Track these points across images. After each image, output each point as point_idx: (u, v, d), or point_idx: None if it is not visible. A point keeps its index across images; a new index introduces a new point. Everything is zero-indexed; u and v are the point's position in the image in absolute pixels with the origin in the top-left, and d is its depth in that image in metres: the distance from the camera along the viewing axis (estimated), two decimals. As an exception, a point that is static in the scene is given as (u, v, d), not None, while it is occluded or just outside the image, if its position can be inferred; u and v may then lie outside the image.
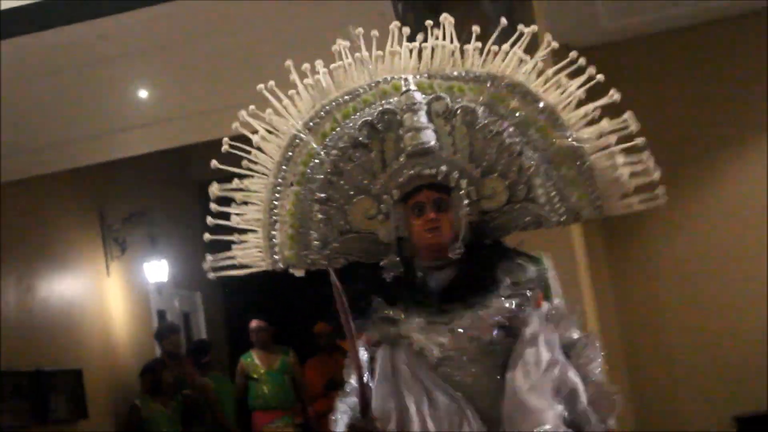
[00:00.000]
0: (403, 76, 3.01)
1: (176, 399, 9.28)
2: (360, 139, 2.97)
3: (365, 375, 2.84)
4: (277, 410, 9.45)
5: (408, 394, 2.84)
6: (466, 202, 2.92)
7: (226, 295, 12.30)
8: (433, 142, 2.93)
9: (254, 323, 9.75)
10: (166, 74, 7.17)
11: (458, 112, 2.96)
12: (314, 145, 3.01)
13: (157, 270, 10.59)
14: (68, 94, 7.09)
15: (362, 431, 2.77)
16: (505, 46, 3.01)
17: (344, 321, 2.70)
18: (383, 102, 2.99)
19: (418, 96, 2.96)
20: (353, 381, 2.86)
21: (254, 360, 9.60)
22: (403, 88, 2.98)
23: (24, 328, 8.50)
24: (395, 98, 2.99)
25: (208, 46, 6.70)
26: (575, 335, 2.96)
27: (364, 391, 2.76)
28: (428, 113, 2.96)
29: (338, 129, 3.01)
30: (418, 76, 3.03)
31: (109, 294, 9.93)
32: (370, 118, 2.97)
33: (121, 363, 9.82)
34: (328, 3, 5.89)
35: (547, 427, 2.72)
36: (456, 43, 3.04)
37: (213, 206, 3.06)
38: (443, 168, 2.92)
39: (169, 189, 11.43)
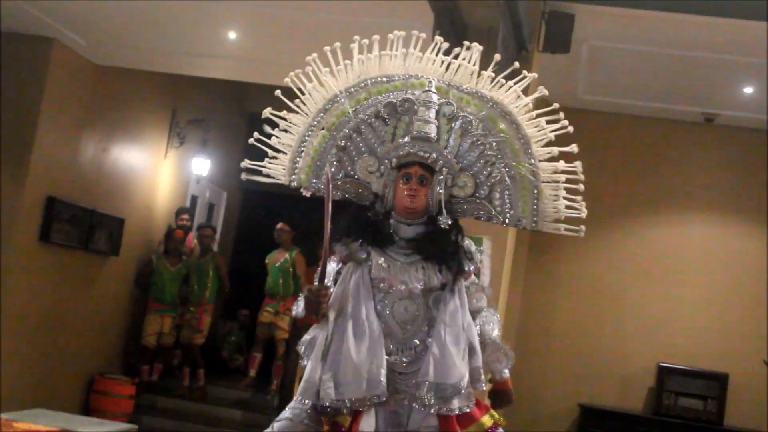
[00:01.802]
0: (429, 78, 3.04)
1: (183, 262, 9.34)
2: (382, 113, 3.02)
3: (329, 260, 2.94)
4: (275, 297, 9.34)
5: (353, 300, 2.90)
6: (442, 184, 2.96)
7: (244, 200, 12.30)
8: (433, 134, 2.97)
9: (278, 225, 9.62)
10: (249, 23, 7.10)
11: (460, 118, 3.00)
12: (348, 107, 3.05)
13: (201, 166, 10.57)
14: (173, 12, 6.96)
15: (315, 292, 2.84)
16: (510, 83, 3.05)
17: (325, 208, 2.76)
18: (408, 92, 3.03)
19: (435, 97, 3.00)
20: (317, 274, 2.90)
21: (271, 255, 9.49)
22: (426, 87, 3.01)
23: (93, 177, 8.50)
24: (417, 92, 3.02)
25: (293, 13, 6.65)
26: (483, 305, 3.05)
27: (324, 265, 2.82)
28: (437, 112, 3.00)
29: (369, 100, 3.04)
30: (440, 82, 3.06)
31: (162, 172, 9.92)
32: (394, 100, 3.01)
33: (156, 225, 9.84)
34: (384, 5, 5.90)
35: (465, 381, 2.83)
36: (476, 67, 3.06)
37: (267, 111, 3.08)
38: (434, 155, 2.96)
39: (228, 111, 11.40)
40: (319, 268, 2.83)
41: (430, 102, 2.98)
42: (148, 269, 9.24)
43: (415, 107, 2.98)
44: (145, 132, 9.44)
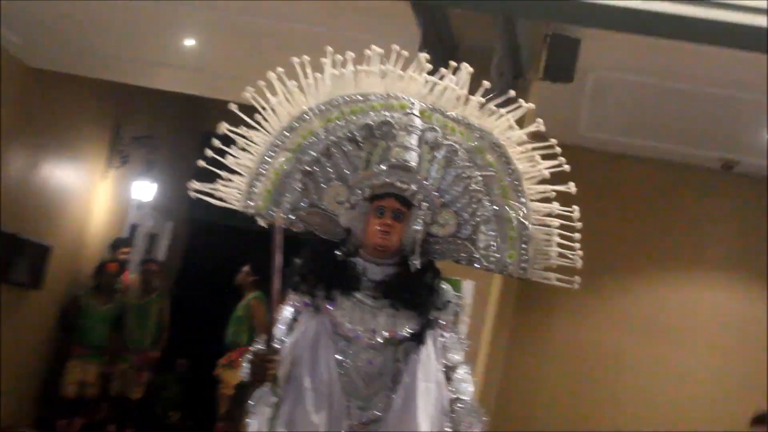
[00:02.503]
0: (412, 100, 3.06)
1: (115, 302, 9.24)
2: (356, 136, 3.04)
3: (281, 325, 2.95)
4: (226, 348, 9.19)
5: (311, 351, 2.91)
6: (420, 221, 2.97)
7: (192, 233, 12.22)
8: (414, 163, 2.98)
9: (245, 267, 9.47)
10: (211, 30, 7.11)
11: (444, 147, 3.03)
12: (317, 126, 3.06)
13: (145, 190, 10.53)
14: (121, 12, 6.98)
15: (261, 358, 2.82)
16: (502, 111, 3.07)
17: (275, 258, 2.76)
18: (387, 113, 3.05)
19: (418, 121, 3.02)
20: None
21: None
22: (408, 110, 3.03)
23: (17, 196, 8.42)
24: (397, 114, 3.04)
25: (260, 23, 6.68)
26: (458, 358, 3.03)
27: (271, 325, 2.83)
28: (419, 138, 3.02)
29: (342, 121, 3.06)
30: (424, 104, 3.08)
31: (99, 195, 9.87)
32: (371, 123, 3.03)
33: (87, 256, 9.75)
34: (366, 17, 5.94)
35: None
36: (465, 91, 3.09)
37: (221, 127, 3.10)
38: (413, 187, 2.97)
39: (180, 128, 11.38)
40: (267, 325, 2.85)
41: (411, 126, 3.00)
42: (75, 307, 9.09)
43: (395, 131, 3.00)
44: (83, 148, 9.40)
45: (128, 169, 10.21)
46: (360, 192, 2.99)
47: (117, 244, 9.73)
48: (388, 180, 2.97)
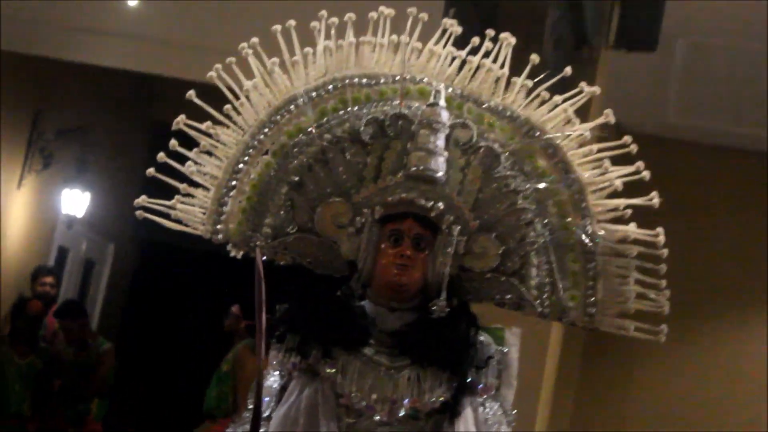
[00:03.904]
0: (435, 86, 3.00)
1: (40, 352, 9.23)
2: (362, 134, 2.97)
3: (265, 398, 2.91)
4: (208, 417, 9.04)
5: (306, 427, 2.85)
6: (450, 251, 2.91)
7: (142, 258, 12.27)
8: (441, 173, 2.92)
9: (233, 308, 9.44)
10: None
11: (481, 150, 2.96)
12: (309, 120, 3.01)
13: (76, 202, 10.51)
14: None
15: None
16: (557, 98, 3.01)
17: (257, 318, 2.67)
18: (402, 103, 2.99)
19: (445, 115, 2.95)
20: (250, 403, 2.86)
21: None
22: (432, 100, 2.96)
23: None
24: (416, 104, 2.99)
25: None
26: None
27: (257, 413, 2.74)
28: (447, 138, 2.95)
29: (341, 112, 3.02)
30: (451, 90, 3.03)
31: (12, 210, 9.87)
32: (382, 117, 2.97)
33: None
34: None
35: None
36: (506, 70, 3.03)
37: (173, 143, 3.04)
38: (440, 205, 2.91)
39: (122, 117, 11.38)
40: (252, 420, 2.75)
41: (437, 123, 2.93)
42: (-17, 362, 9.10)
43: (414, 128, 2.95)
44: (-10, 146, 9.43)
45: (53, 173, 10.23)
46: (368, 212, 2.93)
47: (37, 274, 9.70)
48: (404, 195, 2.91)
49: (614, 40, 6.20)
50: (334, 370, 2.88)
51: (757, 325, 8.59)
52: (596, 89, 3.03)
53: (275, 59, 3.03)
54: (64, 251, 10.91)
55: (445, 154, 2.93)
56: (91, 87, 10.39)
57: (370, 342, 2.91)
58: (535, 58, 3.05)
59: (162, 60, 8.05)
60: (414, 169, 2.91)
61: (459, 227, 2.92)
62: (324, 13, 3.04)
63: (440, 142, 2.93)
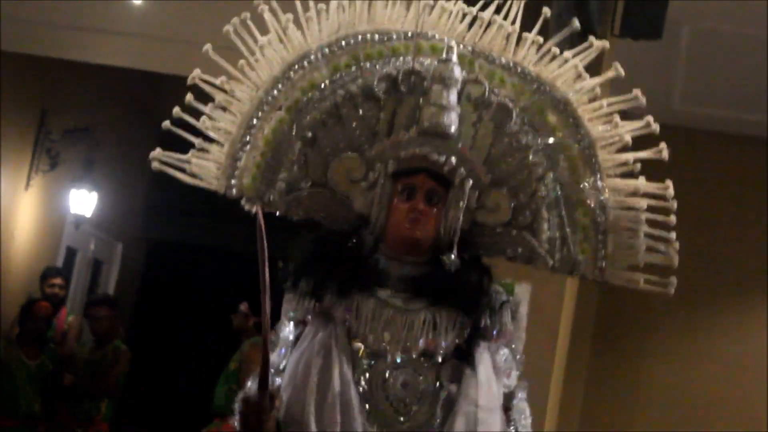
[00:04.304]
0: (447, 41, 3.02)
1: (48, 354, 9.23)
2: (375, 90, 2.99)
3: (273, 346, 2.92)
4: (215, 416, 8.98)
5: (321, 362, 2.85)
6: (462, 205, 2.94)
7: (150, 256, 12.26)
8: (453, 128, 2.94)
9: (242, 306, 9.42)
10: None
11: (492, 105, 2.99)
12: (322, 76, 3.02)
13: (83, 201, 10.51)
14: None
15: (254, 406, 2.78)
16: (567, 53, 3.06)
17: (261, 273, 2.69)
18: (415, 59, 3.00)
19: (457, 71, 2.97)
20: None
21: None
22: (444, 56, 2.98)
23: None
24: (429, 60, 3.02)
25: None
26: (514, 383, 3.01)
27: (265, 360, 2.75)
28: (459, 94, 2.97)
29: (354, 68, 3.03)
30: (463, 46, 3.06)
31: (20, 211, 9.88)
32: (394, 72, 2.99)
33: (8, 293, 9.75)
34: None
35: None
36: (517, 26, 3.05)
37: (188, 98, 3.04)
38: (453, 159, 2.92)
39: (129, 116, 11.38)
40: (263, 363, 2.75)
41: (450, 78, 2.94)
42: (-6, 361, 9.11)
43: (426, 84, 2.96)
44: (-2, 147, 9.43)
45: (60, 174, 10.22)
46: (381, 166, 2.95)
47: (47, 276, 9.70)
48: (419, 151, 2.93)
49: (619, 29, 6.17)
50: (348, 313, 2.90)
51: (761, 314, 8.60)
52: (605, 43, 3.11)
53: (289, 15, 3.05)
54: (72, 251, 10.92)
55: (458, 109, 2.96)
56: (96, 86, 10.39)
57: (384, 285, 2.93)
58: (546, 11, 3.12)
59: (167, 58, 8.05)
60: (427, 124, 2.93)
61: (471, 181, 2.95)
62: None
63: (453, 97, 2.95)
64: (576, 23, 3.11)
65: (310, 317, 2.94)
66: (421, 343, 2.87)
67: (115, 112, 11.10)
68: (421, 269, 2.94)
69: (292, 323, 2.98)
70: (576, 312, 6.56)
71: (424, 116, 2.93)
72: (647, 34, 6.17)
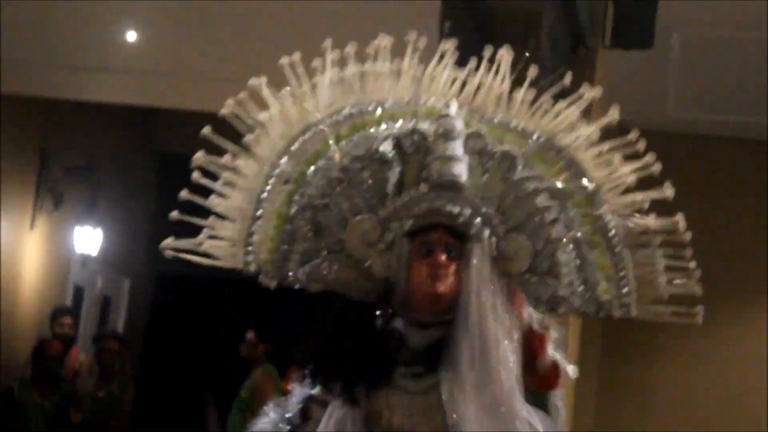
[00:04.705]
0: (445, 101, 3.00)
1: (62, 392, 9.23)
2: (380, 152, 2.92)
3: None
4: None
5: None
6: (485, 254, 2.87)
7: (158, 292, 12.23)
8: (464, 178, 2.89)
9: (249, 334, 9.39)
10: (159, 20, 7.12)
11: (497, 155, 2.94)
12: (326, 143, 2.98)
13: (89, 239, 10.51)
14: (40, 10, 7.00)
15: None
16: (561, 105, 3.01)
17: None
18: (413, 122, 2.98)
19: (459, 124, 2.92)
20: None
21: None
22: (443, 111, 2.94)
23: None
24: (426, 123, 2.97)
25: (209, 4, 6.68)
26: None
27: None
28: (464, 145, 2.93)
29: (356, 136, 3.00)
30: (458, 105, 3.02)
31: (26, 251, 9.86)
32: (397, 133, 2.95)
33: (18, 334, 9.76)
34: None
35: None
36: (506, 86, 3.03)
37: (195, 175, 3.01)
38: (467, 210, 2.87)
39: (128, 151, 11.37)
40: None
41: (452, 131, 2.90)
42: (8, 403, 9.03)
43: (429, 142, 2.92)
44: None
45: (65, 213, 10.20)
46: (397, 225, 2.88)
47: (56, 314, 9.70)
48: (433, 205, 2.86)
49: (610, 40, 6.18)
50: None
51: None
52: (597, 92, 3.03)
53: (287, 89, 3.03)
54: (80, 290, 10.88)
55: (466, 158, 2.91)
56: (95, 124, 10.37)
57: (399, 362, 2.85)
58: (533, 69, 3.06)
59: (164, 92, 8.04)
60: (437, 176, 2.87)
61: (488, 230, 2.89)
62: (328, 44, 3.04)
63: (459, 149, 2.90)
64: (568, 77, 3.05)
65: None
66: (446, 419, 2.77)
67: (115, 149, 11.09)
68: (435, 334, 2.86)
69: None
70: (583, 324, 6.52)
71: (433, 170, 2.88)
72: (638, 43, 6.15)
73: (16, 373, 9.42)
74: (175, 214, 3.04)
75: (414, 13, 3.17)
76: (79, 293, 10.85)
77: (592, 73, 5.92)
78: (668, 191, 2.98)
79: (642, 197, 3.00)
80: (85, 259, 10.70)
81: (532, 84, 3.05)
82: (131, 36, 7.43)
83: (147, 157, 11.57)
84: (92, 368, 9.58)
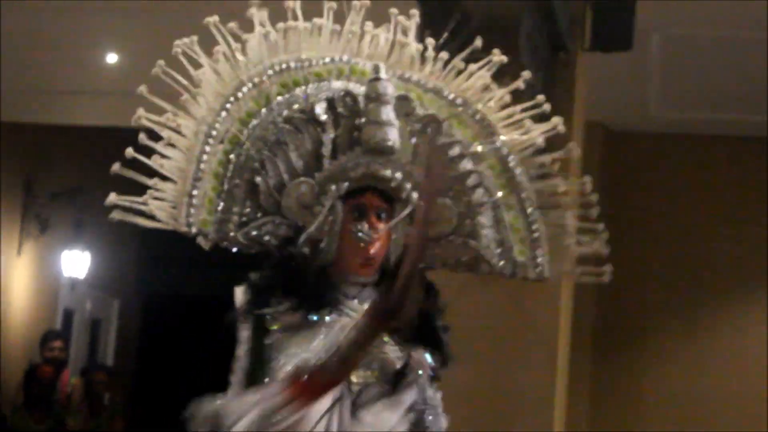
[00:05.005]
0: (373, 63, 3.03)
1: (53, 416, 9.21)
2: (317, 114, 2.97)
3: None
4: None
5: None
6: (407, 219, 2.92)
7: (147, 311, 12.23)
8: (396, 143, 2.94)
9: None
10: (137, 42, 7.12)
11: (424, 119, 3.01)
12: (259, 102, 3.00)
13: (76, 262, 10.50)
14: (20, 36, 6.98)
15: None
16: (473, 67, 3.07)
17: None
18: (340, 82, 3.04)
19: (391, 88, 2.97)
20: None
21: None
22: (373, 75, 2.98)
23: None
24: (354, 83, 3.03)
25: (195, 24, 6.65)
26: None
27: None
28: (394, 109, 2.98)
29: (287, 96, 3.02)
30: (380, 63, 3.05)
31: (14, 277, 9.84)
32: (330, 94, 2.99)
33: (9, 360, 9.73)
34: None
35: None
36: (420, 45, 3.09)
37: (141, 137, 3.04)
38: (398, 175, 2.93)
39: (111, 173, 11.33)
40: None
41: (385, 95, 2.94)
42: (2, 431, 9.05)
43: (362, 105, 2.96)
44: (-16, 217, 9.41)
45: (51, 237, 10.20)
46: (333, 188, 2.91)
47: (46, 339, 9.68)
48: (367, 169, 2.92)
49: (589, 43, 6.18)
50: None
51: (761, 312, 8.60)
52: (503, 58, 3.08)
53: (218, 48, 3.01)
54: (69, 313, 10.88)
55: (397, 124, 2.95)
56: (78, 147, 10.37)
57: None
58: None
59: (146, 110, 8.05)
60: (372, 142, 2.92)
61: (416, 195, 2.92)
62: (255, 2, 3.04)
63: (391, 113, 2.94)
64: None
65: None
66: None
67: (99, 172, 11.00)
68: (368, 295, 2.92)
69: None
70: (574, 324, 6.49)
71: (366, 135, 2.93)
72: (618, 46, 6.17)
73: (8, 399, 9.39)
74: (115, 168, 3.09)
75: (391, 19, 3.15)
76: (68, 316, 10.84)
77: (572, 76, 5.94)
78: (575, 151, 3.10)
79: (550, 158, 3.08)
80: (74, 283, 10.69)
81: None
82: (111, 58, 7.41)
83: (131, 179, 11.55)
84: (82, 399, 9.57)
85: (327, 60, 3.08)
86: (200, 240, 3.03)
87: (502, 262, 3.05)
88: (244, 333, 2.99)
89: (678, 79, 7.63)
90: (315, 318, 2.88)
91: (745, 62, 7.29)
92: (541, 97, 3.08)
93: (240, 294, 2.94)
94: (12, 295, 9.81)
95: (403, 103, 3.00)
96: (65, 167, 10.38)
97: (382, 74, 2.96)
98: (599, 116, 6.94)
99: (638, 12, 6.08)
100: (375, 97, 2.94)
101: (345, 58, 3.09)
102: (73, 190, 10.37)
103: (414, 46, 3.09)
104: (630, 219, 7.53)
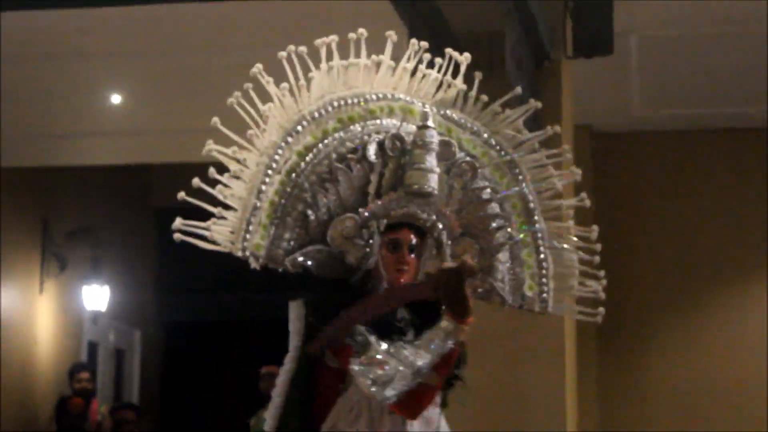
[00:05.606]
0: (422, 106, 3.21)
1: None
2: (368, 155, 3.13)
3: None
4: None
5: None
6: (434, 253, 3.14)
7: (169, 339, 12.21)
8: (435, 189, 3.13)
9: (263, 369, 9.27)
10: (143, 82, 7.16)
11: (462, 165, 3.19)
12: (316, 136, 3.15)
13: (97, 296, 10.54)
14: (29, 84, 7.04)
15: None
16: (509, 112, 3.26)
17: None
18: (396, 122, 3.19)
19: (436, 138, 3.15)
20: None
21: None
22: (422, 122, 3.16)
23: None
24: (400, 121, 3.19)
25: (195, 58, 6.71)
26: None
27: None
28: (437, 155, 3.15)
29: (342, 132, 3.17)
30: (430, 107, 3.22)
31: (38, 315, 9.89)
32: (381, 138, 3.15)
33: (38, 393, 9.77)
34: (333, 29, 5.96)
35: None
36: (464, 86, 3.24)
37: (213, 150, 3.13)
38: (434, 218, 3.14)
39: (125, 210, 11.39)
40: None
41: (430, 143, 3.13)
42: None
43: (409, 149, 3.14)
44: (6, 259, 9.42)
45: (70, 274, 10.23)
46: (375, 224, 3.12)
47: (74, 371, 9.71)
48: (406, 210, 3.13)
49: (572, 50, 6.23)
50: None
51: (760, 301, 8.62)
52: (538, 104, 3.29)
53: (285, 84, 3.15)
54: (93, 345, 10.90)
55: (438, 170, 3.14)
56: (91, 187, 10.41)
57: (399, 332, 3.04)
58: (478, 74, 3.24)
59: (153, 148, 8.09)
60: (416, 186, 3.11)
61: (446, 233, 3.16)
62: (322, 41, 3.17)
63: (433, 161, 3.13)
64: (519, 90, 3.29)
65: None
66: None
67: (112, 208, 11.12)
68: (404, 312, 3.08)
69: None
70: (578, 323, 6.47)
71: (409, 178, 3.13)
72: (599, 51, 6.20)
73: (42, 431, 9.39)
74: (177, 224, 3.10)
75: (381, 42, 3.27)
76: (93, 348, 10.88)
77: (558, 83, 5.99)
78: (586, 201, 3.27)
79: (566, 204, 3.28)
80: (96, 316, 10.73)
81: (491, 93, 3.25)
82: (116, 98, 7.46)
83: (143, 213, 11.58)
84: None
85: (380, 95, 3.22)
86: (251, 261, 3.16)
87: (511, 297, 3.22)
88: (295, 342, 3.14)
89: (658, 78, 7.65)
90: None
91: (720, 58, 7.34)
92: (565, 147, 3.26)
93: (295, 309, 3.11)
94: (38, 332, 9.85)
95: (445, 150, 3.17)
96: (80, 206, 10.44)
97: (430, 122, 3.15)
98: (584, 119, 6.96)
99: (615, 17, 6.12)
100: (421, 144, 3.13)
101: (397, 95, 3.23)
102: (87, 227, 10.42)
103: (459, 86, 3.24)
104: (620, 218, 7.40)
